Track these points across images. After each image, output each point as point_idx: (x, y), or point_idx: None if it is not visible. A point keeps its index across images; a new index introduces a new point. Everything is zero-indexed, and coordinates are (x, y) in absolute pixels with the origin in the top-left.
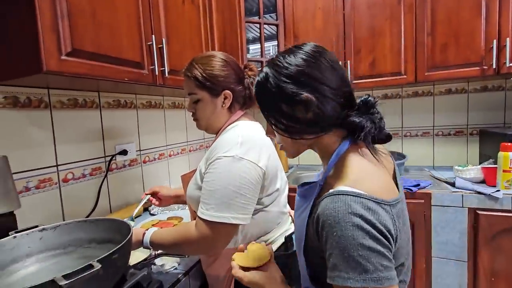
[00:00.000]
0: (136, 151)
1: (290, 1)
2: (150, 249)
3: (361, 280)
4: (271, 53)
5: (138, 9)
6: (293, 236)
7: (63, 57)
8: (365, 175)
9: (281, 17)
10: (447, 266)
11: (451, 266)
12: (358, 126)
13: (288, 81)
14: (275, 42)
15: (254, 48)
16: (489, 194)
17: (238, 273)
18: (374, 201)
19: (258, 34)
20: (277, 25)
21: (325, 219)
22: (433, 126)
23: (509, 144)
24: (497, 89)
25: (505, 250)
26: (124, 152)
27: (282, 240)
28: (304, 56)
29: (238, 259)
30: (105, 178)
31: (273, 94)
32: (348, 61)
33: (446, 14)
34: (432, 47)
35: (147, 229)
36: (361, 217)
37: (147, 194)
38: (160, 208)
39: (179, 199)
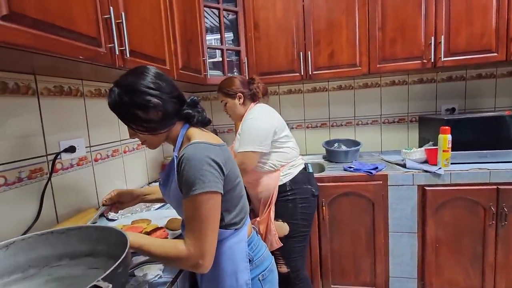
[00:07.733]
0: (86, 147)
1: None
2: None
3: (206, 187)
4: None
5: None
6: None
7: None
8: (201, 134)
9: (240, 4)
10: (401, 238)
11: (404, 238)
12: (189, 115)
13: (139, 94)
14: (229, 34)
15: (209, 39)
16: (434, 172)
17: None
18: (208, 144)
19: (216, 23)
20: (236, 12)
21: (184, 159)
22: (381, 115)
23: (447, 127)
24: (430, 81)
25: (445, 219)
26: (71, 149)
27: None
28: (145, 76)
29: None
30: (49, 181)
31: (128, 106)
32: (309, 52)
33: (394, 10)
34: (382, 40)
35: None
36: (203, 153)
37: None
38: (120, 211)
39: (145, 198)
